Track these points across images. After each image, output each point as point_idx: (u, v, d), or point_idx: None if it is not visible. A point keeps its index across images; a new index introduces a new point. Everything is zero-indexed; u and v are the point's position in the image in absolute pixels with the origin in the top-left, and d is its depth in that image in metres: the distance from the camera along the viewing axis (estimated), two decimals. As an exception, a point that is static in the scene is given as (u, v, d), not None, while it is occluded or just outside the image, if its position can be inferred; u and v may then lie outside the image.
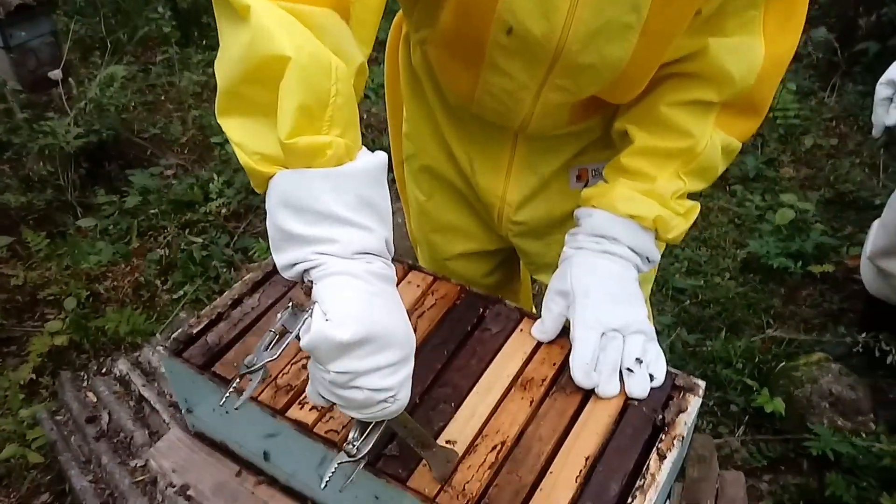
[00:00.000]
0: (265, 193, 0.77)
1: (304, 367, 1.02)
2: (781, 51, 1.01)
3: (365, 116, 3.53)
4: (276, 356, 0.78)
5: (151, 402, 1.64)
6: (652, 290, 1.54)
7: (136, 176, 3.17)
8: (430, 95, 1.26)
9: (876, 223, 2.23)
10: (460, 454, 0.91)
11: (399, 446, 0.92)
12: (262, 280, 1.18)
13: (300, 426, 0.94)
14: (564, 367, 1.04)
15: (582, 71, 0.98)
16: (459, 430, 0.95)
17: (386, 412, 0.77)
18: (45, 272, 2.72)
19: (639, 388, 0.98)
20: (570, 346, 1.02)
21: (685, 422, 0.97)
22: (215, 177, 3.16)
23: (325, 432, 0.94)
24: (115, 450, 1.57)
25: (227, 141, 3.32)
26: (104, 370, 1.94)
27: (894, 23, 3.61)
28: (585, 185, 1.24)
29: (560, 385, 1.01)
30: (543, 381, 1.02)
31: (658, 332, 1.72)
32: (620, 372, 1.00)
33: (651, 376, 1.00)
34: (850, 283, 2.64)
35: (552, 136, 1.19)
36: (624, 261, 1.06)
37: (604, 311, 1.02)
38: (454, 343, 1.06)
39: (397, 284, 1.14)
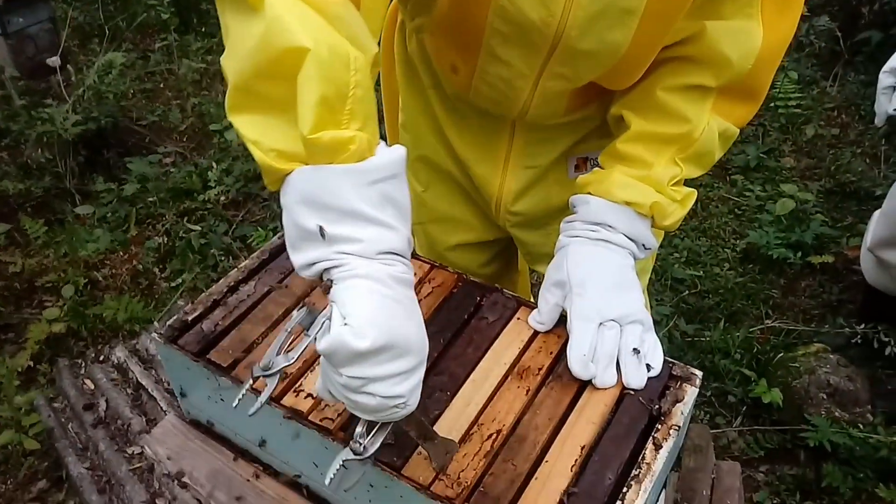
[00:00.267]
0: (279, 191, 0.74)
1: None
2: (779, 35, 1.00)
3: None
4: (292, 360, 0.78)
5: (149, 390, 1.64)
6: (651, 279, 1.54)
7: (135, 163, 3.16)
8: (426, 84, 1.25)
9: (876, 214, 2.22)
10: (457, 443, 0.91)
11: (394, 435, 0.92)
12: (258, 267, 1.17)
13: (295, 414, 0.94)
14: (561, 356, 1.03)
15: (581, 57, 0.97)
16: (455, 418, 0.94)
17: (396, 416, 0.76)
18: (43, 259, 2.72)
19: (636, 378, 0.98)
20: (567, 335, 1.02)
21: (681, 412, 0.96)
22: (214, 165, 3.15)
23: (320, 420, 0.93)
24: (113, 437, 1.57)
25: (226, 128, 3.32)
26: (102, 357, 1.94)
27: (897, 12, 3.60)
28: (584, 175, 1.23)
29: (556, 374, 1.01)
30: (540, 370, 1.02)
31: (656, 322, 1.72)
32: (617, 362, 1.00)
33: (648, 366, 0.99)
34: (849, 273, 2.64)
35: (550, 126, 1.18)
36: (620, 249, 1.05)
37: (601, 301, 1.01)
38: (451, 331, 1.06)
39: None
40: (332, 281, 0.72)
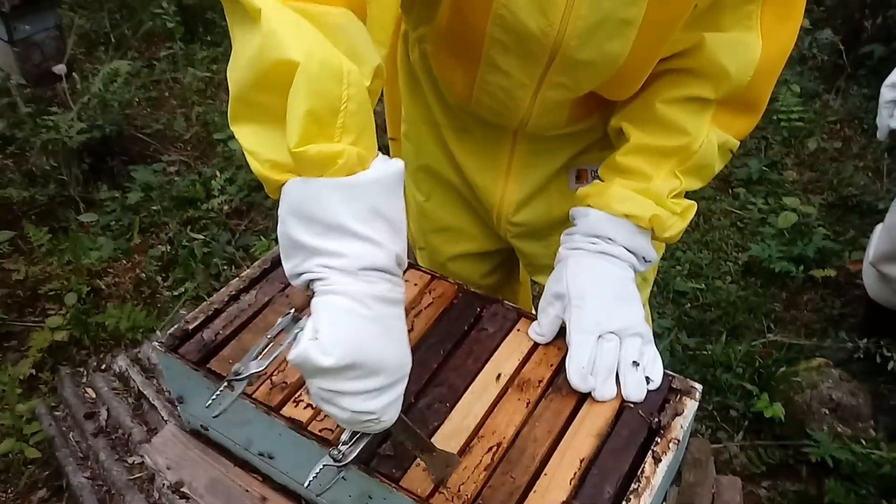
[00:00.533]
0: (279, 200, 0.75)
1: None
2: (779, 47, 1.00)
3: (368, 115, 3.52)
4: (263, 367, 0.78)
5: (150, 399, 1.64)
6: (652, 292, 1.54)
7: (139, 172, 3.17)
8: (428, 95, 1.26)
9: (878, 228, 2.22)
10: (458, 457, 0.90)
11: (393, 446, 0.92)
12: (259, 277, 1.18)
13: (294, 424, 0.94)
14: (561, 368, 1.03)
15: (580, 67, 0.98)
16: (454, 430, 0.94)
17: (372, 429, 0.77)
18: (46, 267, 2.73)
19: (635, 391, 0.98)
20: (567, 348, 1.02)
21: (681, 425, 0.96)
22: (218, 174, 3.16)
23: (320, 431, 0.93)
24: (113, 446, 1.57)
25: (230, 137, 3.34)
26: (104, 366, 1.94)
27: (900, 26, 3.61)
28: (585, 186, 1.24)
29: (556, 386, 1.01)
30: (540, 382, 1.02)
31: (657, 335, 1.72)
32: (617, 374, 1.00)
33: (647, 379, 0.99)
34: (851, 287, 2.64)
35: (552, 136, 1.18)
36: (620, 261, 1.05)
37: (600, 313, 1.01)
38: (451, 342, 1.06)
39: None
40: (314, 292, 0.73)
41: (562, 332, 1.06)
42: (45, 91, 3.57)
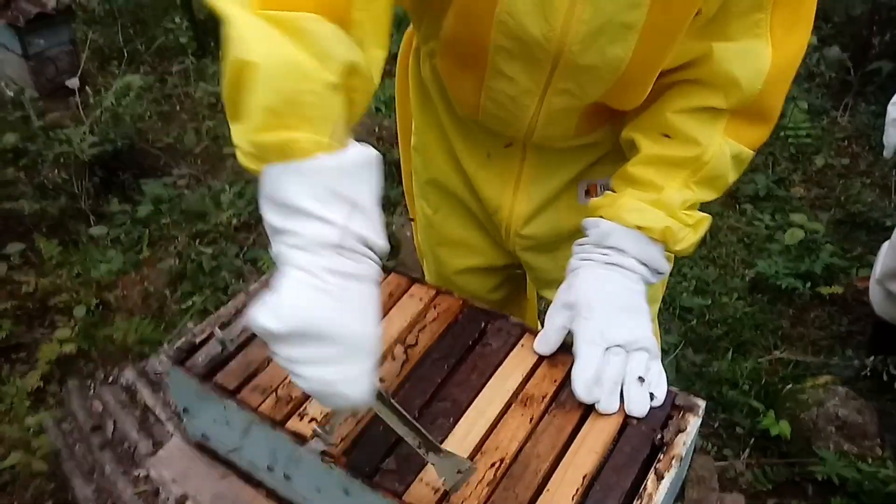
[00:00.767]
0: None
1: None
2: (789, 55, 1.00)
3: (376, 130, 3.55)
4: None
5: (156, 412, 1.65)
6: (659, 308, 1.54)
7: (149, 185, 3.19)
8: (439, 108, 1.27)
9: (885, 245, 2.22)
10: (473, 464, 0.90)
11: (396, 460, 0.92)
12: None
13: (298, 438, 0.95)
14: (565, 384, 1.04)
15: (583, 73, 0.99)
16: (458, 445, 0.95)
17: (339, 406, 0.80)
18: (56, 279, 2.75)
19: (638, 406, 0.98)
20: (573, 360, 1.02)
21: (684, 442, 0.96)
22: (227, 187, 3.18)
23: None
24: (119, 459, 1.58)
25: (239, 152, 3.37)
26: (111, 379, 1.95)
27: (908, 43, 3.62)
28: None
29: (559, 402, 1.01)
30: (544, 397, 1.02)
31: (664, 351, 1.72)
32: (621, 389, 1.00)
33: (652, 395, 1.00)
34: (859, 305, 2.63)
35: (561, 149, 1.19)
36: (631, 273, 1.05)
37: (608, 325, 1.01)
38: (455, 357, 1.07)
39: (399, 297, 1.16)
40: None
41: (565, 345, 1.07)
42: (58, 105, 3.62)
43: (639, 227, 1.04)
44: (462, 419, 0.98)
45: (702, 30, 0.97)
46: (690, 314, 2.62)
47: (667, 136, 1.06)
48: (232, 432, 1.05)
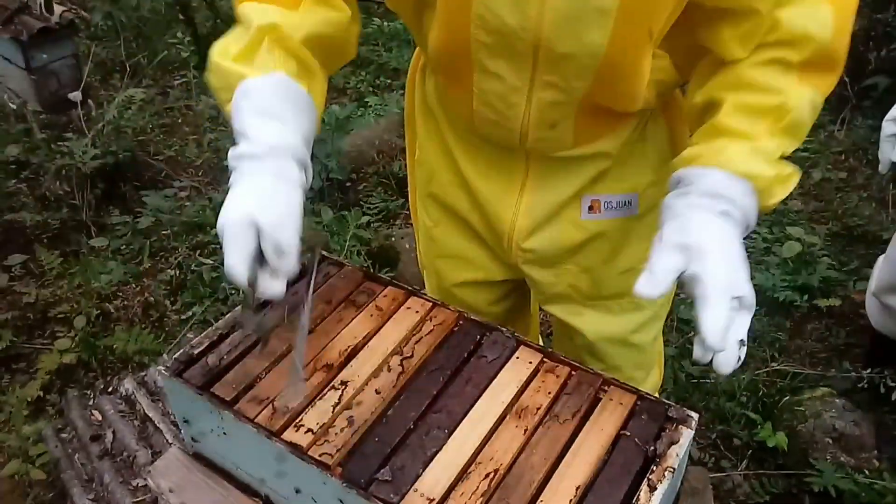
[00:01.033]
0: None
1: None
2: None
3: (376, 142, 3.57)
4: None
5: (156, 422, 1.66)
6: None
7: (150, 197, 3.22)
8: (441, 123, 1.29)
9: (881, 259, 2.23)
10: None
11: (391, 471, 0.93)
12: (265, 303, 1.20)
13: (294, 448, 0.96)
14: (560, 395, 1.05)
15: (564, 61, 1.00)
16: (452, 456, 0.96)
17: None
18: (57, 290, 2.77)
19: (728, 366, 0.93)
20: (565, 377, 1.03)
21: (677, 453, 0.97)
22: (227, 200, 3.20)
23: (319, 455, 0.95)
24: (118, 469, 1.59)
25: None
26: (111, 389, 1.96)
27: (905, 59, 3.64)
28: (597, 218, 1.25)
29: (554, 413, 1.02)
30: (538, 409, 1.03)
31: (665, 361, 1.73)
32: None
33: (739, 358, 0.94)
34: (856, 317, 2.64)
35: (563, 160, 1.19)
36: (739, 225, 1.00)
37: (732, 276, 0.94)
38: (450, 369, 1.08)
39: (396, 309, 1.17)
40: None
41: (555, 354, 1.08)
42: (60, 117, 3.65)
43: (748, 176, 0.99)
44: (457, 430, 0.99)
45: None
46: (688, 326, 2.63)
47: (744, 89, 1.02)
48: (228, 444, 1.07)
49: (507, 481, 0.94)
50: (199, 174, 3.54)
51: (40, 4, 3.48)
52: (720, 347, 0.90)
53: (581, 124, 1.12)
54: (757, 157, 1.00)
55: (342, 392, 1.04)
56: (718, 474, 2.12)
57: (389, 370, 1.08)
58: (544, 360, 1.10)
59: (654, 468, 0.95)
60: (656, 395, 1.18)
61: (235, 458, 1.09)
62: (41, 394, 2.35)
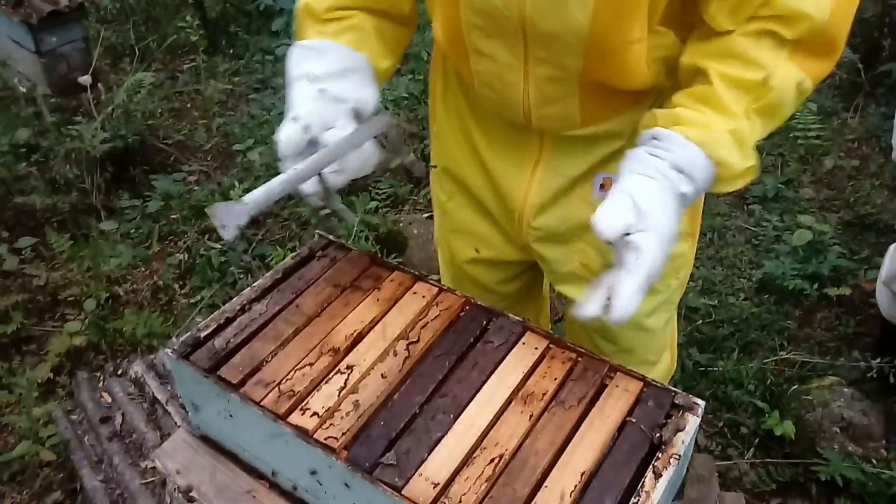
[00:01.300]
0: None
1: (306, 373, 1.04)
2: None
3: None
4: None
5: (164, 405, 1.67)
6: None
7: (160, 181, 3.22)
8: (460, 99, 1.31)
9: (892, 248, 2.21)
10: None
11: (396, 455, 0.93)
12: (271, 287, 1.20)
13: (300, 432, 0.96)
14: (566, 381, 1.05)
15: (551, 40, 1.01)
16: (457, 441, 0.96)
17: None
18: (66, 273, 2.78)
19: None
20: (572, 363, 1.03)
21: (683, 440, 0.97)
22: (236, 184, 3.20)
23: (325, 439, 0.95)
24: (127, 450, 1.60)
25: (249, 148, 3.40)
26: (120, 371, 1.98)
27: (919, 46, 3.59)
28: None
29: (560, 399, 1.02)
30: (544, 395, 1.03)
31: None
32: None
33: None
34: (866, 306, 2.62)
35: (576, 139, 1.20)
36: (686, 205, 1.02)
37: (660, 263, 0.97)
38: (456, 354, 1.08)
39: (402, 294, 1.17)
40: None
41: (564, 341, 1.07)
42: (70, 101, 3.65)
43: (720, 163, 1.00)
44: (462, 415, 0.99)
45: None
46: (696, 314, 2.62)
47: (730, 59, 1.01)
48: (234, 426, 1.07)
49: (512, 466, 0.94)
50: (208, 158, 3.54)
51: (50, -13, 3.48)
52: (621, 322, 0.94)
53: (587, 103, 1.12)
54: (735, 143, 1.00)
55: (348, 376, 1.04)
56: (725, 462, 2.12)
57: (395, 355, 1.08)
58: (550, 345, 1.10)
59: (660, 455, 0.95)
60: (666, 382, 1.18)
61: (241, 440, 1.10)
62: (51, 376, 2.36)
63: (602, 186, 1.25)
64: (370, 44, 1.13)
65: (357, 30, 1.13)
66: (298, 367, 1.05)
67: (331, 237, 1.29)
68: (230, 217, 0.91)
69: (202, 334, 1.11)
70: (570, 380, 1.05)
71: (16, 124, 3.41)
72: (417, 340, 1.10)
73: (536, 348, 1.09)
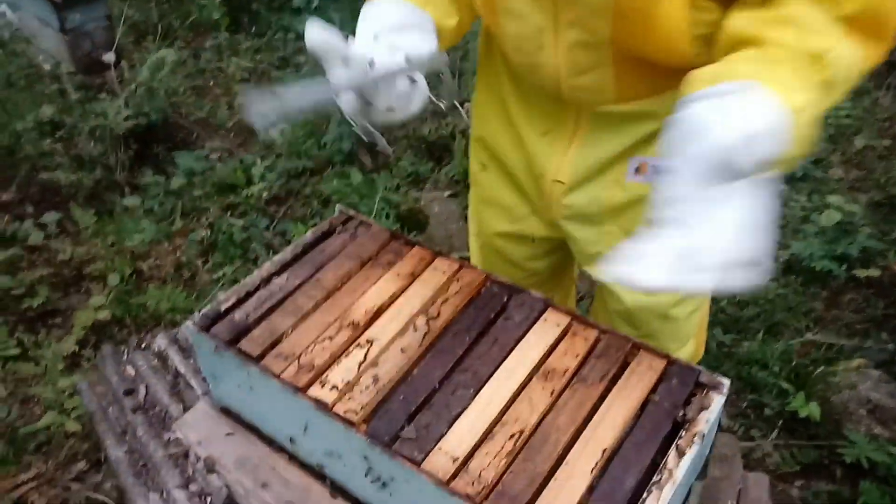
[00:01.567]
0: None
1: (326, 347, 1.04)
2: None
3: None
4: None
5: (187, 378, 1.68)
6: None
7: (182, 158, 3.23)
8: (501, 70, 1.29)
9: (925, 228, 2.16)
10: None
11: (416, 429, 0.93)
12: (291, 261, 1.20)
13: (320, 405, 0.96)
14: (588, 358, 1.04)
15: (579, 1, 1.00)
16: (477, 416, 0.95)
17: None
18: (91, 248, 2.80)
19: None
20: (594, 340, 1.01)
21: (707, 419, 0.96)
22: (258, 161, 3.21)
23: (344, 412, 0.95)
24: (151, 422, 1.61)
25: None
26: (144, 345, 1.99)
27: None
28: (643, 181, 1.21)
29: (581, 376, 1.01)
30: (565, 371, 1.02)
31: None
32: None
33: None
34: (895, 288, 2.57)
35: (613, 116, 1.17)
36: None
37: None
38: (476, 330, 1.07)
39: (423, 270, 1.16)
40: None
41: (585, 318, 1.06)
42: (94, 79, 3.66)
43: (795, 110, 0.87)
44: (483, 390, 0.99)
45: None
46: (721, 294, 2.59)
47: (787, 26, 0.92)
48: (254, 398, 1.07)
49: (532, 442, 0.93)
50: (231, 136, 3.55)
51: (73, -36, 3.49)
52: (642, 291, 0.90)
53: (622, 76, 1.09)
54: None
55: (367, 350, 1.04)
56: (748, 443, 2.10)
57: (415, 330, 1.07)
58: (573, 322, 1.09)
59: (683, 433, 0.94)
60: (687, 361, 1.16)
61: (261, 412, 1.10)
62: (76, 349, 2.39)
63: (638, 170, 1.22)
64: (435, 2, 1.13)
65: None
66: (318, 340, 1.05)
67: (351, 212, 1.29)
68: (259, 102, 0.96)
69: (223, 307, 1.11)
70: (592, 357, 1.04)
71: (41, 101, 3.43)
72: (437, 316, 1.09)
73: (558, 325, 1.08)
